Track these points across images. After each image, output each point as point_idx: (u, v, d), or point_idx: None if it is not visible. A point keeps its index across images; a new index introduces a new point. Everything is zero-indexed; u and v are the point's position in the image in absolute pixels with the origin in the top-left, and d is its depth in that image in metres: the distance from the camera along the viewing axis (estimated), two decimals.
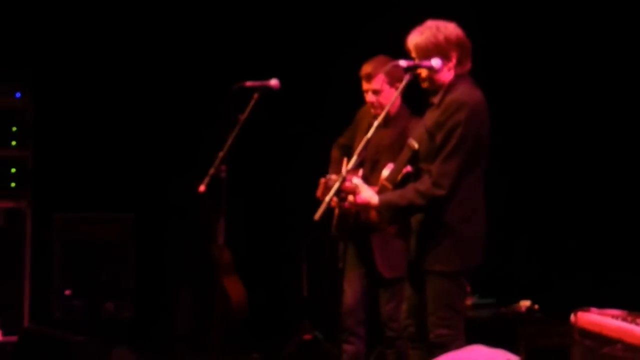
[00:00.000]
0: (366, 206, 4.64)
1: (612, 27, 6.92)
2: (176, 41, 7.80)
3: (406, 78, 4.61)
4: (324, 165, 5.77)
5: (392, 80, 5.38)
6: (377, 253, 5.52)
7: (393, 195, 4.58)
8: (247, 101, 5.39)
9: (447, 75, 4.62)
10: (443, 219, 4.54)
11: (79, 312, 7.28)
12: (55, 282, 7.35)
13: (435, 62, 4.56)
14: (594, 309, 4.52)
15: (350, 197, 4.62)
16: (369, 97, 5.55)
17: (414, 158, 4.62)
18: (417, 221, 4.62)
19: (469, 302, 6.46)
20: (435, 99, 4.65)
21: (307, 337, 7.03)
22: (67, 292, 7.32)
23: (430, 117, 4.64)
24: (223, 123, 5.44)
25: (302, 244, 7.24)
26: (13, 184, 7.27)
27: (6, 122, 7.26)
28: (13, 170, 7.28)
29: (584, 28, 7.01)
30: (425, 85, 4.67)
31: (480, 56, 4.76)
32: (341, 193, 4.58)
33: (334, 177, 5.36)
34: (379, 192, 4.62)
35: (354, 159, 4.56)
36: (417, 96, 4.85)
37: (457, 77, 4.62)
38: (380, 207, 4.57)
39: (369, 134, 4.53)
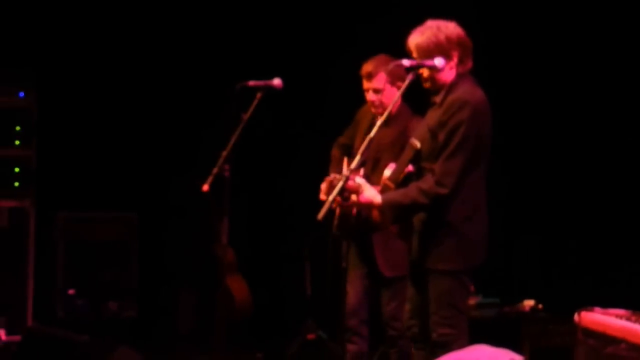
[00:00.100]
0: (369, 205, 4.64)
1: (614, 26, 6.91)
2: (178, 41, 7.80)
3: (409, 78, 4.60)
4: (327, 165, 5.77)
5: (393, 79, 5.37)
6: (378, 252, 5.51)
7: (396, 195, 4.57)
8: (249, 101, 5.39)
9: (448, 74, 4.61)
10: (445, 218, 4.53)
11: (82, 312, 7.29)
12: (59, 282, 7.35)
13: (439, 61, 4.55)
14: (597, 309, 4.52)
15: (354, 197, 4.61)
16: (370, 96, 5.53)
17: (417, 157, 4.62)
18: (420, 220, 4.62)
19: (473, 301, 6.47)
20: (437, 99, 4.64)
21: (311, 336, 7.03)
22: (71, 291, 7.32)
23: (433, 116, 4.64)
24: (226, 122, 5.44)
25: (305, 244, 7.23)
26: (16, 184, 7.27)
27: (10, 122, 7.27)
28: (16, 169, 7.28)
29: (585, 26, 7.00)
30: (427, 85, 4.66)
31: (481, 55, 4.76)
32: (344, 192, 4.57)
33: (339, 176, 5.36)
34: (381, 192, 4.61)
35: (357, 158, 4.55)
36: (417, 95, 4.84)
37: (459, 77, 4.62)
38: (383, 206, 4.57)
39: (372, 133, 4.53)
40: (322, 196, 5.39)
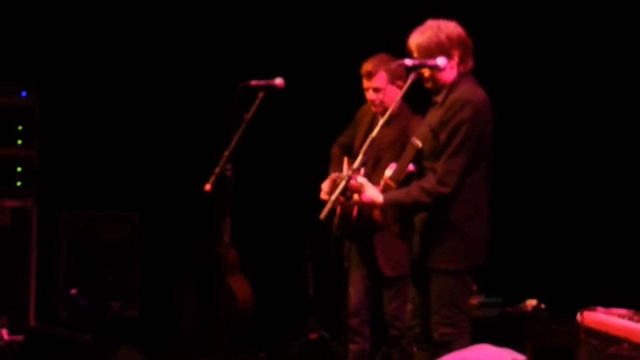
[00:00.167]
0: (371, 205, 4.64)
1: (615, 26, 6.91)
2: (179, 41, 7.80)
3: (411, 77, 4.60)
4: (328, 165, 5.76)
5: (393, 78, 5.37)
6: (379, 252, 5.51)
7: (398, 194, 4.57)
8: (251, 100, 5.39)
9: (449, 74, 4.61)
10: (447, 217, 4.53)
11: (84, 311, 7.29)
12: (61, 281, 7.36)
13: (441, 60, 4.55)
14: (600, 308, 4.51)
15: (356, 196, 4.61)
16: (370, 95, 5.53)
17: (418, 157, 4.61)
18: (421, 220, 4.62)
19: (475, 301, 6.46)
20: (439, 98, 4.64)
21: (313, 336, 7.03)
22: (73, 291, 7.32)
23: (434, 115, 4.64)
24: (228, 122, 5.44)
25: (307, 243, 7.24)
26: (19, 183, 7.28)
27: (12, 121, 7.27)
28: (19, 169, 7.28)
29: (586, 26, 7.00)
30: (428, 85, 4.66)
31: (482, 55, 4.76)
32: (347, 192, 4.57)
33: (342, 175, 5.35)
34: (382, 191, 4.61)
35: (360, 157, 4.55)
36: (417, 95, 4.84)
37: (460, 76, 4.62)
38: (385, 206, 4.57)
39: (374, 133, 4.53)
40: (324, 196, 5.39)
